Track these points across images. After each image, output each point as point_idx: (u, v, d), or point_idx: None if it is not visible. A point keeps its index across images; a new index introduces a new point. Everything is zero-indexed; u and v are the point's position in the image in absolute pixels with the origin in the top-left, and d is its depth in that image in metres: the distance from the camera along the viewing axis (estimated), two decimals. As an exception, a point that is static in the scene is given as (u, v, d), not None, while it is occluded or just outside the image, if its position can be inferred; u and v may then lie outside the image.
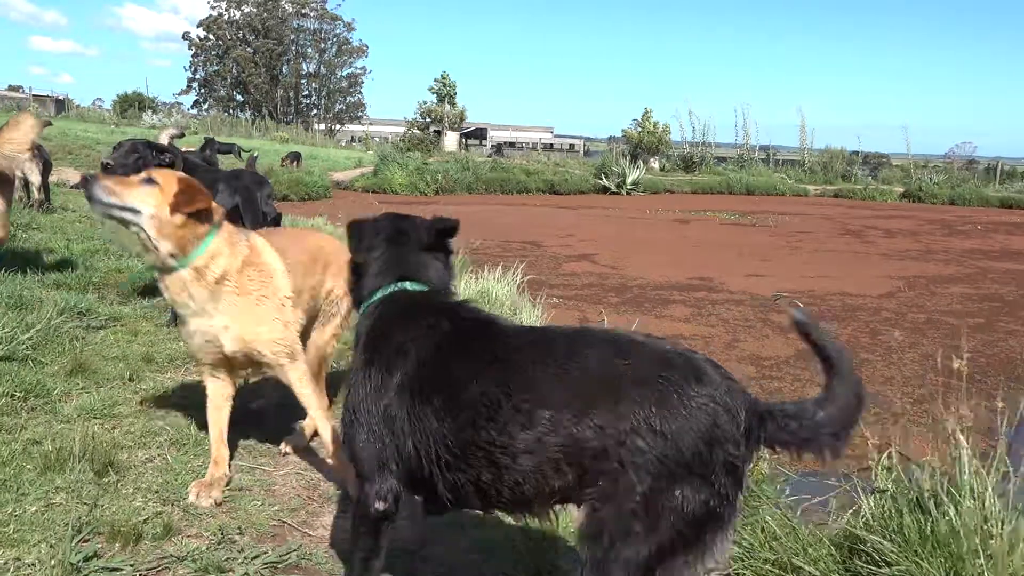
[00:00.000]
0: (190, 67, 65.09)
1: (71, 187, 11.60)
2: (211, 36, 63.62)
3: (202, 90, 65.47)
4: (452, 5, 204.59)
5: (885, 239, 16.47)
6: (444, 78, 44.26)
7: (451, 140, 42.26)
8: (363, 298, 2.31)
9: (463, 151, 40.11)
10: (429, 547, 2.79)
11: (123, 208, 2.77)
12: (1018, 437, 3.18)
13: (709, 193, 29.26)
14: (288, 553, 2.63)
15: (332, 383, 3.83)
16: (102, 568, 2.40)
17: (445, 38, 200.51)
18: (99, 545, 2.52)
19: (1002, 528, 2.35)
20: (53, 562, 2.35)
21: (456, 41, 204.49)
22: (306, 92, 66.55)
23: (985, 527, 2.38)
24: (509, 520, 2.78)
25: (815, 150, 38.22)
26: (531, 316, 6.51)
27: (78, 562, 2.38)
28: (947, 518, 2.40)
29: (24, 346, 4.12)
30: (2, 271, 5.58)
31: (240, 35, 63.21)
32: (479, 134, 58.92)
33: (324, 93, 66.22)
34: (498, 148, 50.36)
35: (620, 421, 1.80)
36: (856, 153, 38.67)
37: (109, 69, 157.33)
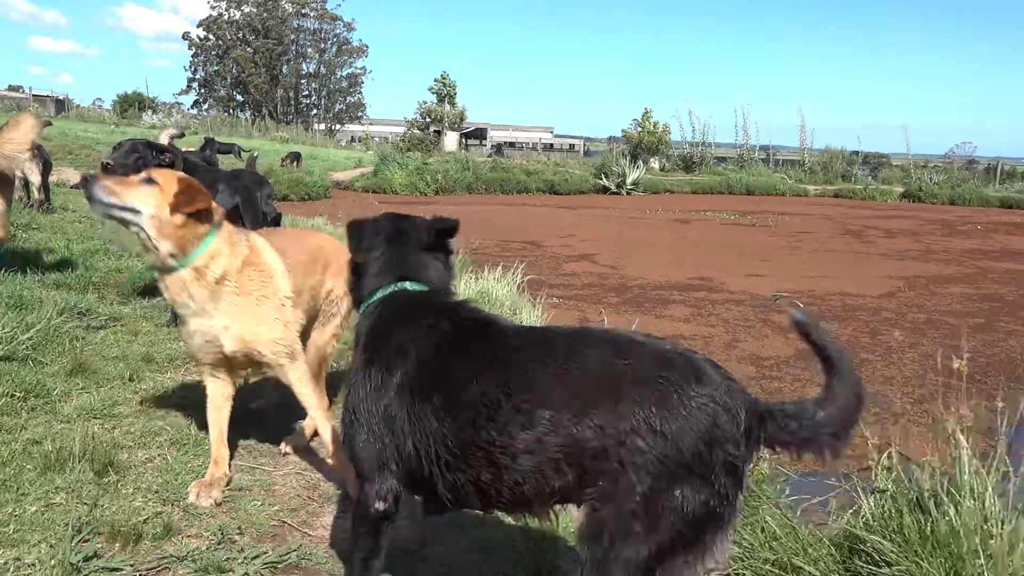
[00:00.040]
0: (190, 67, 65.18)
1: (71, 187, 11.60)
2: (211, 36, 63.60)
3: (202, 90, 65.47)
4: (452, 5, 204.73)
5: (885, 239, 16.47)
6: (444, 78, 44.26)
7: (451, 140, 42.25)
8: (363, 298, 2.32)
9: (463, 151, 40.10)
10: (429, 547, 2.79)
11: (123, 208, 2.76)
12: (1018, 437, 3.18)
13: (709, 193, 29.26)
14: (288, 553, 2.63)
15: (332, 383, 3.83)
16: (102, 568, 2.40)
17: (445, 38, 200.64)
18: (99, 545, 2.52)
19: (1002, 528, 2.35)
20: (53, 562, 2.35)
21: (456, 41, 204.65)
22: (306, 92, 66.56)
23: (985, 527, 2.38)
24: (509, 520, 2.78)
25: (815, 150, 38.24)
26: (531, 316, 6.51)
27: (78, 562, 2.38)
28: (947, 518, 2.40)
29: (24, 346, 4.12)
30: (2, 271, 5.58)
31: (240, 35, 63.20)
32: (479, 134, 58.92)
33: (324, 93, 66.22)
34: (498, 148, 50.37)
35: (620, 421, 1.80)
36: (856, 153, 38.68)
37: (109, 69, 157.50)
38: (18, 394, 3.60)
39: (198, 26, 64.08)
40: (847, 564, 2.55)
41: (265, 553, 2.61)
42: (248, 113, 59.05)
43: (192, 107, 60.79)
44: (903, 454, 2.90)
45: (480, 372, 1.97)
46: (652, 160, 36.56)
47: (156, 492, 2.94)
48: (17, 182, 6.36)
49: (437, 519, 2.88)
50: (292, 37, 64.12)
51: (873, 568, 2.43)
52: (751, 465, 2.05)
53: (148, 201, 2.77)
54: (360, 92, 67.39)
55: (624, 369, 1.86)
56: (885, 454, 2.82)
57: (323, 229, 10.35)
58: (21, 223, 7.67)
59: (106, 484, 2.92)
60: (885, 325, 8.09)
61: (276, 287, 3.09)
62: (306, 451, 3.53)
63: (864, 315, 8.58)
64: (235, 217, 5.15)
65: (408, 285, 2.27)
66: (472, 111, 51.71)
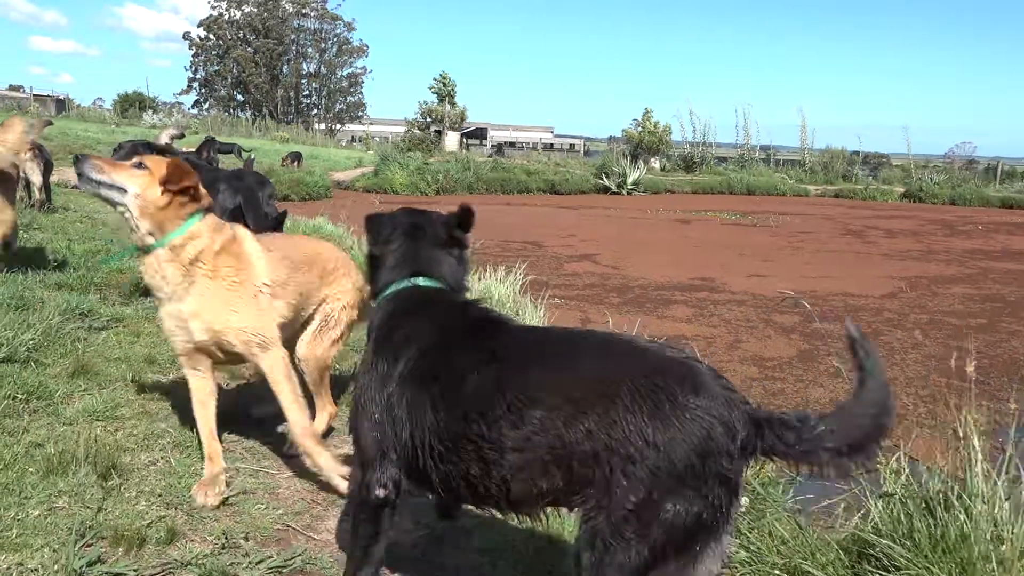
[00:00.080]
0: (190, 67, 65.19)
1: (72, 187, 11.58)
2: (211, 36, 63.59)
3: (202, 90, 65.47)
4: (452, 5, 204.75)
5: (886, 239, 16.45)
6: (444, 78, 44.27)
7: (452, 140, 42.24)
8: (378, 291, 2.37)
9: (464, 151, 40.08)
10: (435, 551, 2.78)
11: (111, 187, 2.83)
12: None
13: (710, 193, 29.23)
14: (293, 557, 2.61)
15: (334, 383, 3.81)
16: (105, 573, 2.39)
17: (445, 38, 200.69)
18: (103, 550, 2.50)
19: (1013, 532, 2.34)
20: (56, 567, 2.34)
21: (456, 41, 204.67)
22: (306, 92, 66.56)
23: (995, 531, 2.37)
24: (515, 524, 2.77)
25: (816, 150, 38.22)
26: (533, 317, 6.49)
27: (81, 567, 2.36)
28: (958, 522, 2.38)
29: (26, 347, 4.10)
30: (4, 272, 5.56)
31: (240, 35, 63.18)
32: (479, 134, 58.88)
33: (324, 93, 66.20)
34: (498, 148, 50.30)
35: (611, 428, 1.79)
36: (856, 153, 38.63)
37: (109, 69, 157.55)
38: (20, 396, 3.58)
39: (198, 26, 64.18)
40: (856, 568, 2.53)
41: (270, 557, 2.59)
42: (248, 113, 59.04)
43: (192, 107, 60.90)
44: (912, 457, 2.88)
45: (477, 368, 2.00)
46: (653, 160, 36.55)
47: (159, 496, 2.92)
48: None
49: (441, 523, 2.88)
50: (292, 37, 64.11)
51: (882, 573, 2.41)
52: (746, 472, 2.02)
53: (135, 181, 2.84)
54: (360, 92, 67.49)
55: (620, 375, 1.84)
56: (894, 457, 2.80)
57: (323, 228, 10.34)
58: (22, 223, 7.64)
59: (109, 488, 2.90)
60: (887, 326, 8.07)
61: (252, 275, 3.06)
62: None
63: (866, 315, 8.56)
64: (238, 217, 5.13)
65: (421, 281, 2.31)
66: (472, 111, 51.79)
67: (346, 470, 3.03)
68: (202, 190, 3.00)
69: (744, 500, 2.90)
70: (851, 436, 1.80)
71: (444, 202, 19.99)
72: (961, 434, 2.59)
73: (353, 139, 54.38)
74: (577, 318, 7.74)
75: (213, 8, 63.05)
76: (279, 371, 3.08)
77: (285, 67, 64.29)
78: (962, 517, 2.39)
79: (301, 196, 17.87)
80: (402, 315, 2.24)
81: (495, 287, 7.04)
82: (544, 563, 2.70)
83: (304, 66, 65.41)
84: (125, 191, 2.84)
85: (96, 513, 2.71)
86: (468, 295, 2.42)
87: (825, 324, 7.30)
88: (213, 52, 64.03)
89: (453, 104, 43.62)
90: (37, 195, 9.05)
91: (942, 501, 2.50)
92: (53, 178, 10.09)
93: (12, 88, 45.56)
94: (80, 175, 2.84)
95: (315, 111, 65.75)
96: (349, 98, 67.26)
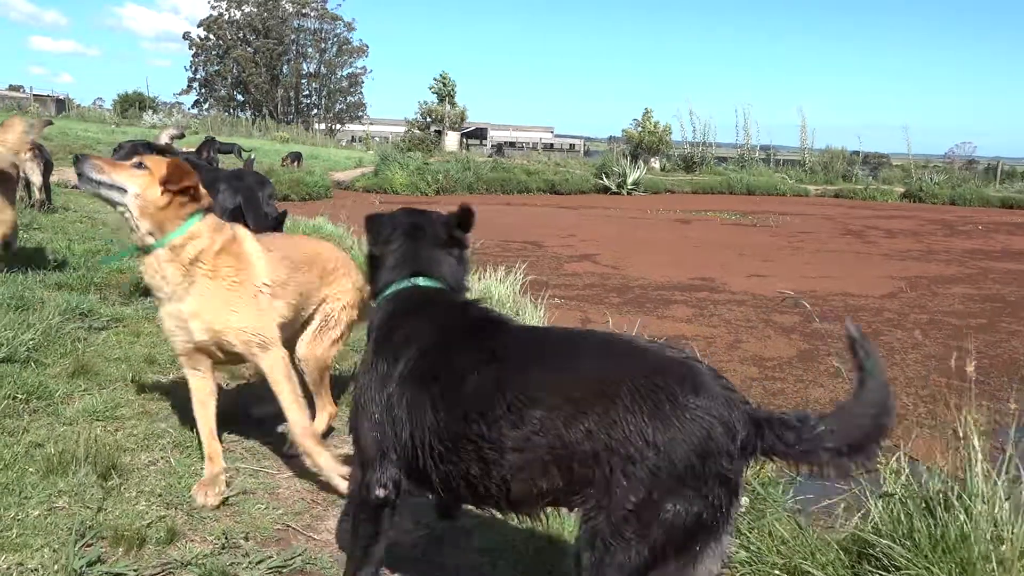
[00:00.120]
0: (190, 67, 65.17)
1: (72, 187, 11.58)
2: (211, 36, 63.58)
3: (202, 90, 65.45)
4: (452, 5, 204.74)
5: (886, 239, 16.45)
6: (444, 78, 44.26)
7: (452, 140, 42.24)
8: (378, 291, 2.38)
9: (464, 151, 40.08)
10: (435, 551, 2.77)
11: (111, 187, 2.84)
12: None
13: (710, 193, 29.23)
14: (293, 558, 2.61)
15: (334, 383, 3.81)
16: (106, 573, 2.39)
17: (445, 38, 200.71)
18: (103, 550, 2.50)
19: (1013, 532, 2.34)
20: (56, 567, 2.34)
21: (456, 41, 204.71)
22: (306, 92, 66.55)
23: (995, 531, 2.37)
24: (515, 525, 2.77)
25: (816, 150, 38.21)
26: (533, 317, 6.49)
27: (81, 567, 2.36)
28: (958, 523, 2.38)
29: (26, 347, 4.10)
30: (4, 272, 5.56)
31: (240, 35, 63.17)
32: (479, 134, 58.87)
33: (324, 93, 66.19)
34: (498, 148, 50.30)
35: (611, 428, 1.79)
36: (856, 153, 38.62)
37: (109, 69, 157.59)
38: (20, 396, 3.58)
39: (198, 26, 64.17)
40: (856, 569, 2.53)
41: (270, 557, 2.59)
42: (248, 113, 59.03)
43: (192, 107, 60.91)
44: (913, 457, 2.88)
45: (477, 368, 2.00)
46: (653, 160, 36.54)
47: (159, 496, 2.92)
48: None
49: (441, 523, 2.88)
50: (292, 37, 64.10)
51: (882, 573, 2.41)
52: (746, 472, 2.02)
53: (135, 182, 2.84)
54: (360, 92, 67.48)
55: (620, 376, 1.84)
56: (894, 457, 2.80)
57: (324, 228, 10.34)
58: (22, 223, 7.64)
59: (109, 488, 2.90)
60: (888, 326, 8.07)
61: (252, 275, 3.06)
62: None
63: (866, 315, 8.55)
64: (238, 217, 5.13)
65: (421, 281, 2.31)
66: (472, 111, 51.79)
67: (346, 470, 3.03)
68: (202, 190, 3.01)
69: (744, 500, 2.90)
70: (851, 436, 1.79)
71: (444, 202, 19.99)
72: (961, 434, 2.59)
73: (353, 139, 54.38)
74: (577, 318, 7.73)
75: (213, 8, 63.14)
76: (279, 371, 3.07)
77: (285, 67, 64.28)
78: (962, 517, 2.39)
79: (301, 196, 17.87)
80: (402, 315, 2.25)
81: (495, 287, 7.04)
82: (544, 563, 2.70)
83: (304, 66, 65.44)
84: (125, 191, 2.84)
85: (96, 513, 2.70)
86: (468, 295, 2.43)
87: (825, 324, 7.30)
88: (213, 52, 64.03)
89: (453, 104, 43.62)
90: (37, 195, 9.05)
91: (942, 501, 2.50)
92: (53, 178, 10.09)
93: (12, 88, 45.57)
94: (80, 175, 2.85)
95: (315, 111, 65.74)
96: (349, 98, 67.26)
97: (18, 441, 3.17)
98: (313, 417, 3.61)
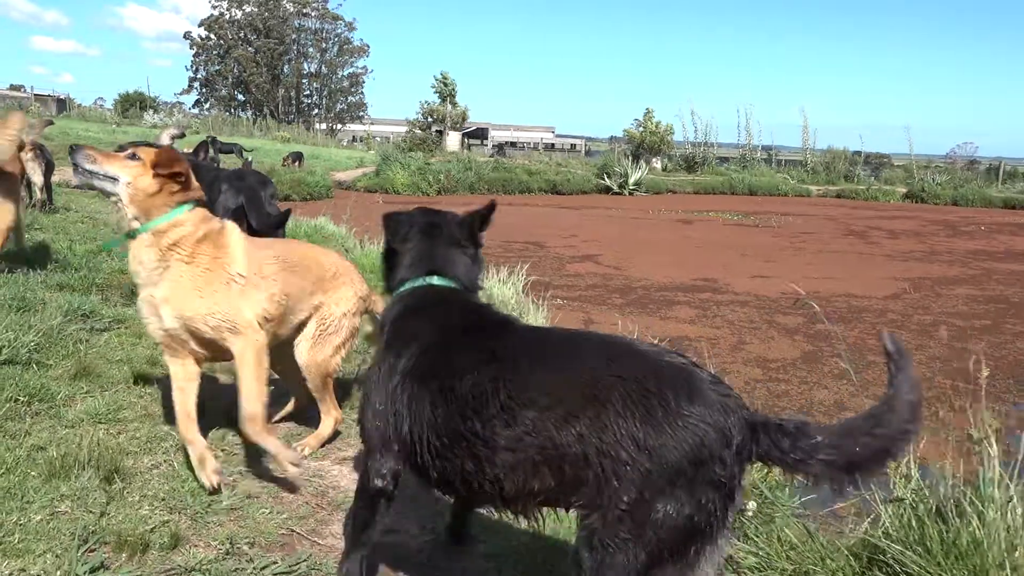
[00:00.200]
0: (191, 67, 65.13)
1: (73, 187, 11.56)
2: (212, 36, 63.55)
3: (203, 90, 65.42)
4: (452, 5, 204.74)
5: (889, 240, 16.42)
6: (445, 78, 44.22)
7: (453, 140, 42.20)
8: (393, 288, 2.44)
9: (465, 151, 40.04)
10: (441, 555, 2.75)
11: (104, 176, 2.89)
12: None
13: (712, 193, 29.21)
14: (298, 563, 2.58)
15: (339, 386, 3.79)
16: (109, 579, 2.36)
17: (446, 38, 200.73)
18: (106, 555, 2.48)
19: (1026, 539, 2.31)
20: (59, 573, 2.32)
21: (457, 41, 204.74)
22: (307, 92, 66.50)
23: (1007, 536, 2.34)
24: (521, 528, 2.75)
25: (817, 150, 38.18)
26: (536, 317, 6.47)
27: (84, 573, 2.34)
28: (970, 528, 2.36)
29: (27, 349, 4.06)
30: (5, 272, 5.54)
31: (241, 35, 63.14)
32: (481, 134, 58.81)
33: (325, 93, 66.15)
34: (500, 148, 50.23)
35: (603, 431, 1.80)
36: (858, 153, 38.58)
37: (110, 69, 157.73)
38: (22, 398, 3.55)
39: (199, 26, 64.14)
40: (866, 575, 2.50)
41: (274, 563, 2.56)
42: (249, 113, 59.01)
43: (193, 107, 60.88)
44: (924, 459, 2.85)
45: (477, 367, 2.02)
46: (654, 160, 36.50)
47: (163, 500, 2.89)
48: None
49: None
50: (293, 37, 64.07)
51: (893, 579, 2.39)
52: (746, 476, 2.00)
53: (128, 171, 2.90)
54: (361, 92, 67.43)
55: (613, 379, 1.85)
56: (904, 461, 2.77)
57: (325, 228, 10.31)
58: (23, 223, 7.62)
59: (112, 492, 2.87)
60: (891, 327, 8.04)
61: (227, 263, 3.05)
62: (314, 457, 3.49)
63: (870, 316, 8.53)
64: (240, 217, 5.09)
65: (435, 280, 2.36)
66: (474, 111, 51.81)
67: (294, 455, 3.08)
68: (194, 182, 3.05)
69: (752, 504, 2.88)
70: (850, 454, 1.75)
71: (445, 202, 19.95)
72: (975, 438, 2.56)
73: (354, 139, 54.35)
74: (580, 319, 7.71)
75: (214, 8, 63.10)
76: (248, 355, 3.04)
77: (286, 67, 64.25)
78: (975, 523, 2.36)
79: (302, 196, 17.84)
80: (412, 312, 2.30)
81: (497, 288, 7.02)
82: (549, 569, 2.67)
83: (305, 66, 65.40)
84: (117, 180, 2.89)
85: (99, 518, 2.68)
86: (477, 297, 2.46)
87: (830, 325, 7.28)
88: (214, 52, 64.00)
89: (454, 104, 43.59)
90: (38, 195, 9.02)
91: (954, 506, 2.48)
92: (54, 178, 10.05)
93: (13, 88, 45.61)
94: (74, 165, 2.90)
95: (316, 111, 65.71)
96: (350, 98, 67.22)
97: (20, 444, 3.14)
98: (318, 422, 3.60)
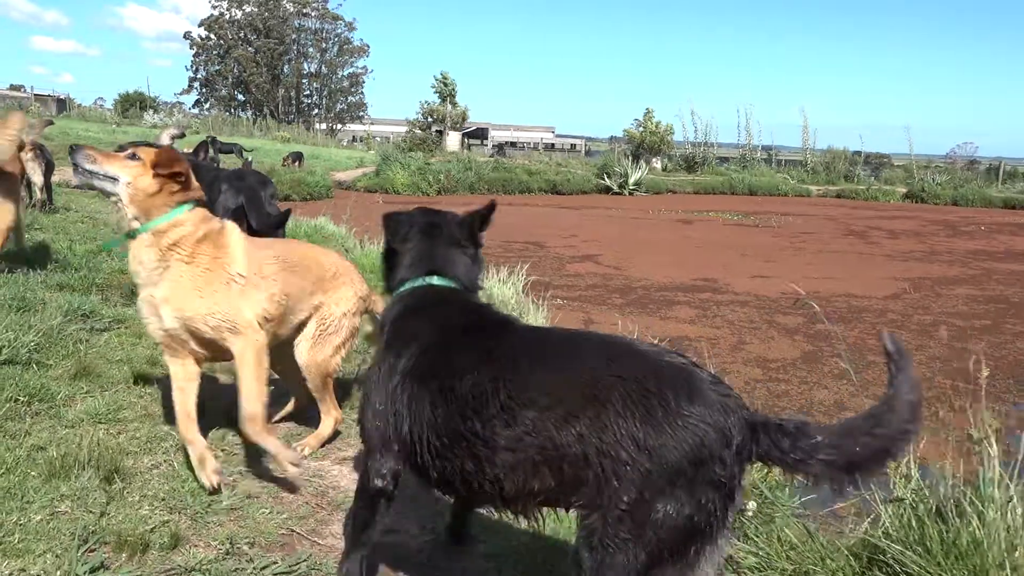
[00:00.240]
0: (191, 67, 65.14)
1: (73, 187, 11.56)
2: (212, 36, 63.56)
3: (203, 90, 65.43)
4: (452, 5, 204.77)
5: (889, 240, 16.42)
6: (445, 77, 44.21)
7: (453, 140, 42.20)
8: (393, 287, 2.44)
9: (465, 151, 40.04)
10: (441, 555, 2.75)
11: (104, 176, 2.90)
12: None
13: (712, 193, 29.22)
14: (298, 563, 2.58)
15: (339, 386, 3.79)
16: (109, 579, 2.36)
17: (445, 38, 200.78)
18: (106, 555, 2.48)
19: (1026, 539, 2.31)
20: (59, 573, 2.32)
21: (456, 41, 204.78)
22: (307, 92, 66.50)
23: (1007, 536, 2.34)
24: (521, 528, 2.74)
25: (817, 150, 38.19)
26: (536, 318, 6.47)
27: (84, 573, 2.33)
28: (970, 528, 2.36)
29: (27, 349, 4.06)
30: (5, 273, 5.54)
31: (241, 35, 63.15)
32: (481, 134, 58.81)
33: (325, 93, 66.15)
34: (500, 148, 50.23)
35: (603, 432, 1.80)
36: (858, 153, 38.58)
37: (110, 69, 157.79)
38: (22, 398, 3.55)
39: (199, 26, 64.15)
40: (866, 575, 2.50)
41: (274, 563, 2.56)
42: (249, 113, 59.01)
43: (193, 107, 60.89)
44: (923, 459, 2.85)
45: (476, 367, 2.02)
46: (654, 160, 36.50)
47: (163, 500, 2.89)
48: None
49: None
50: (293, 37, 64.07)
51: (894, 579, 2.39)
52: (746, 476, 2.00)
53: (127, 171, 2.90)
54: (361, 92, 67.45)
55: (613, 380, 1.85)
56: (904, 461, 2.77)
57: (325, 228, 10.31)
58: (23, 223, 7.62)
59: (112, 492, 2.87)
60: (891, 327, 8.03)
61: (227, 263, 3.05)
62: (314, 457, 3.49)
63: (870, 317, 8.53)
64: (240, 217, 5.09)
65: (435, 280, 2.36)
66: (474, 111, 51.82)
67: (294, 455, 3.08)
68: (194, 182, 3.05)
69: (752, 504, 2.88)
70: (850, 454, 1.75)
71: (445, 202, 19.95)
72: (975, 438, 2.56)
73: (354, 139, 54.35)
74: (580, 319, 7.71)
75: (214, 8, 63.10)
76: (248, 355, 3.04)
77: (286, 67, 64.25)
78: (975, 523, 2.36)
79: (302, 196, 17.84)
80: (412, 312, 2.30)
81: (497, 288, 7.02)
82: (549, 569, 2.67)
83: (305, 66, 65.40)
84: (117, 180, 2.90)
85: (99, 518, 2.68)
86: (477, 297, 2.45)
87: (830, 325, 7.28)
88: (214, 52, 64.00)
89: (454, 104, 43.59)
90: (38, 195, 9.02)
91: (954, 506, 2.48)
92: (54, 178, 10.05)
93: (13, 88, 45.63)
94: (74, 165, 2.90)
95: (316, 111, 65.70)
96: (350, 98, 67.22)
97: (20, 444, 3.14)
98: (318, 422, 3.60)
